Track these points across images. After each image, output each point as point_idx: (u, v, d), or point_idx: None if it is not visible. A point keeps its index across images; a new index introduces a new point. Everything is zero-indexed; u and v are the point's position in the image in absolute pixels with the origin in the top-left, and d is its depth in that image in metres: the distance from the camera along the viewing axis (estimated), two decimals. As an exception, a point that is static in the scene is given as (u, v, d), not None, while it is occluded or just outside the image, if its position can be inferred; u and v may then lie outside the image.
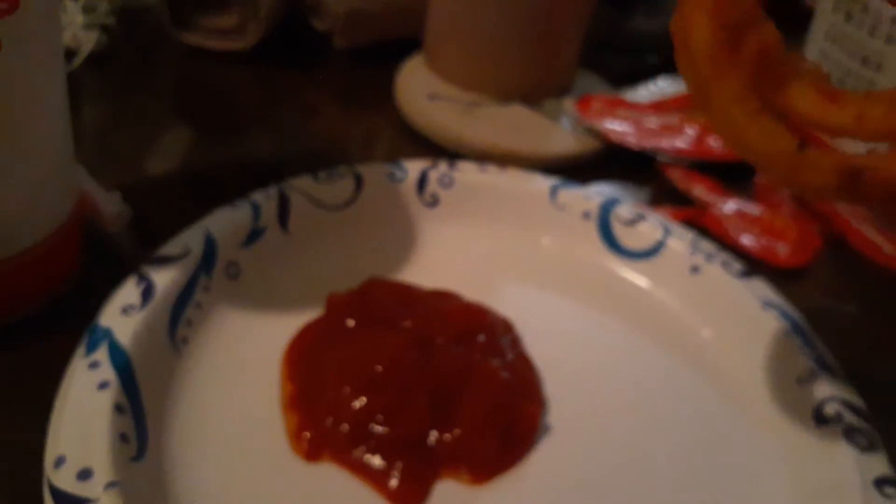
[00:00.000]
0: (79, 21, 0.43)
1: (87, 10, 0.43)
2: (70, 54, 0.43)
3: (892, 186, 0.20)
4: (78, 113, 0.42)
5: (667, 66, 0.51)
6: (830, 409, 0.28)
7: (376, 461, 0.26)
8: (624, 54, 0.55)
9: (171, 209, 0.36)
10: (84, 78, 0.44)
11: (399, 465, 0.26)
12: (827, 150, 0.21)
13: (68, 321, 0.29)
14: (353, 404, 0.27)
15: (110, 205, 0.33)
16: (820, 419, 0.28)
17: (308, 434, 0.27)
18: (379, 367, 0.27)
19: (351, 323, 0.30)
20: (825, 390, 0.29)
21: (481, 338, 0.30)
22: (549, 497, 0.26)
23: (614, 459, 0.28)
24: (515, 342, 0.31)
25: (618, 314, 0.34)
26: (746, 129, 0.21)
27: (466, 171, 0.37)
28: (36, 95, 0.27)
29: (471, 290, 0.33)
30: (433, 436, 0.27)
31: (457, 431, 0.27)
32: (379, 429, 0.27)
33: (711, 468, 0.28)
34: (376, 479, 0.26)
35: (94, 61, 0.44)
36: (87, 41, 0.43)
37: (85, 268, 0.32)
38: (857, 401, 0.28)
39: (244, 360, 0.29)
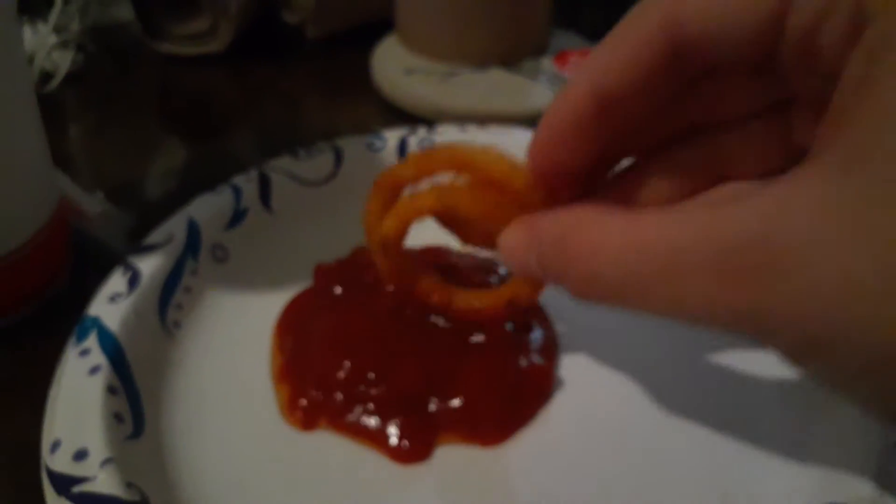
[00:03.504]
0: (51, 41, 0.43)
1: (59, 28, 0.44)
2: (47, 76, 0.43)
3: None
4: (64, 130, 0.43)
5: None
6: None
7: (372, 422, 0.26)
8: (599, 8, 0.54)
9: (164, 211, 0.36)
10: (65, 96, 0.44)
11: (396, 423, 0.26)
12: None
13: (63, 320, 0.29)
14: (340, 369, 0.27)
15: (93, 205, 0.33)
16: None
17: (301, 403, 0.26)
18: (362, 330, 0.27)
19: (338, 290, 0.30)
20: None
21: (492, 277, 0.30)
22: (564, 454, 0.25)
23: (629, 416, 0.27)
24: None
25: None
26: None
27: (446, 133, 0.37)
28: None
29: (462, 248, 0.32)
30: (433, 400, 0.26)
31: (459, 398, 0.26)
32: (371, 390, 0.26)
33: (724, 409, 0.27)
34: (375, 439, 0.25)
35: (72, 80, 0.44)
36: (64, 61, 0.44)
37: (78, 268, 0.32)
38: None
39: (238, 339, 0.29)
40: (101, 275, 0.29)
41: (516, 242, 0.24)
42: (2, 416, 0.27)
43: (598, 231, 0.20)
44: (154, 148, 0.42)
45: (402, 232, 0.26)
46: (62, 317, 0.30)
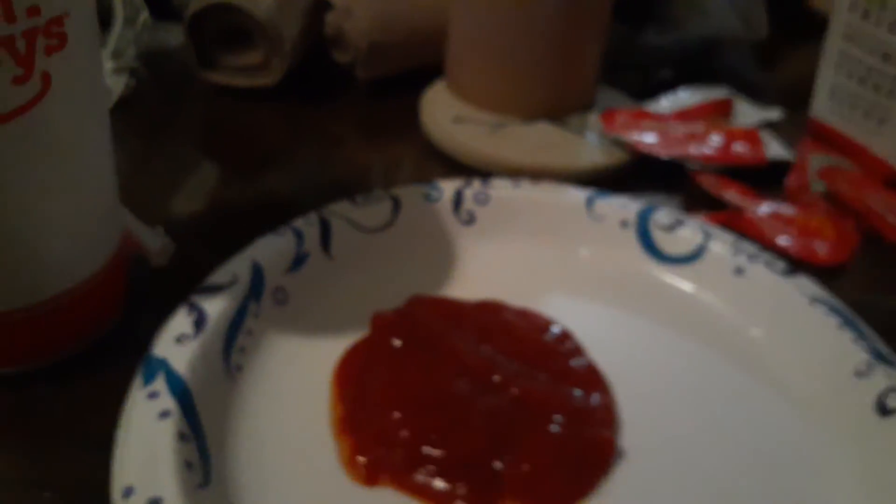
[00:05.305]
0: (108, 67, 0.44)
1: (116, 55, 0.44)
2: (100, 99, 0.43)
3: None
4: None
5: (680, 80, 0.52)
6: (893, 401, 0.28)
7: (435, 483, 0.26)
8: (637, 70, 0.55)
9: (203, 244, 0.36)
10: (112, 120, 0.44)
11: (459, 485, 0.26)
12: None
13: (117, 355, 0.29)
14: (403, 428, 0.27)
15: (154, 239, 0.33)
16: (883, 411, 0.28)
17: (363, 459, 0.26)
18: (423, 390, 0.27)
19: (397, 343, 0.30)
20: (885, 381, 0.28)
21: (548, 337, 0.30)
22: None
23: (688, 479, 0.27)
24: (579, 352, 0.31)
25: (666, 321, 0.34)
26: None
27: (500, 188, 0.37)
28: (83, 133, 0.27)
29: (515, 304, 0.33)
30: (498, 465, 0.26)
31: (524, 466, 0.26)
32: (434, 452, 0.26)
33: (781, 474, 0.27)
34: (438, 500, 0.25)
35: (121, 104, 0.44)
36: (117, 86, 0.44)
37: (130, 303, 0.32)
38: None
39: (297, 384, 0.29)
40: (154, 310, 0.29)
41: None
42: (54, 453, 0.27)
43: None
44: (195, 178, 0.42)
45: None
46: (113, 353, 0.30)
